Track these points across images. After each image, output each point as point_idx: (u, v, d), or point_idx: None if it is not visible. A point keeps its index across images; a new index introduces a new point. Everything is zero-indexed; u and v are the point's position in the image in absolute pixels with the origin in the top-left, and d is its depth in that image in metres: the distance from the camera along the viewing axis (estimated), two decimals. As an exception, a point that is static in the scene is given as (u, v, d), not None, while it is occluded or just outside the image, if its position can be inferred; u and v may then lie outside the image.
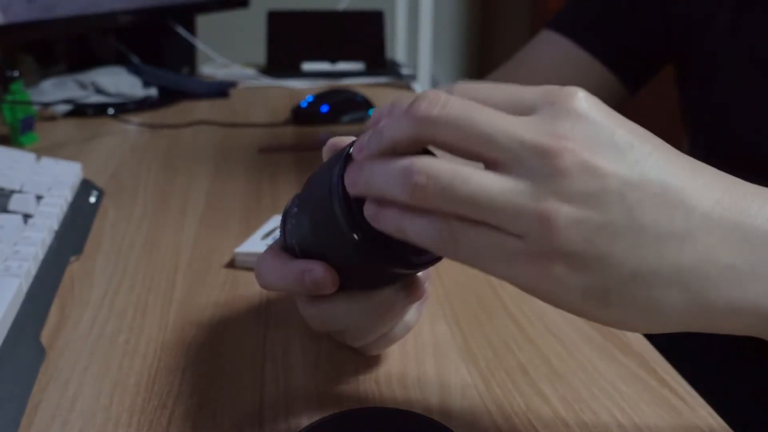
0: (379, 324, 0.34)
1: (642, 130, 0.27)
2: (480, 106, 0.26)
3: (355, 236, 0.29)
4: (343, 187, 0.29)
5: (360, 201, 0.29)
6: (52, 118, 0.91)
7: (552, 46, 0.64)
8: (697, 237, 0.25)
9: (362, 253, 0.30)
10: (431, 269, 0.49)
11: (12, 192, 0.54)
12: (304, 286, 0.32)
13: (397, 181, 0.26)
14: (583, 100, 0.26)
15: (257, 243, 0.51)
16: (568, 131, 0.25)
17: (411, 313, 0.36)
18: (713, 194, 0.26)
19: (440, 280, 0.48)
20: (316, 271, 0.31)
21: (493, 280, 0.48)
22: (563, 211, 0.25)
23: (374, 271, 0.32)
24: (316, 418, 0.34)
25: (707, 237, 0.25)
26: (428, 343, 0.40)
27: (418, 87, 1.17)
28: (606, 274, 0.25)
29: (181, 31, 1.16)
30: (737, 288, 0.26)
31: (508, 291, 0.46)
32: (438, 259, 0.31)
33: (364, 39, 1.24)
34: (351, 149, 0.30)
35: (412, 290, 0.33)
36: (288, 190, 0.66)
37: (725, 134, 0.58)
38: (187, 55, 1.22)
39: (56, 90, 0.94)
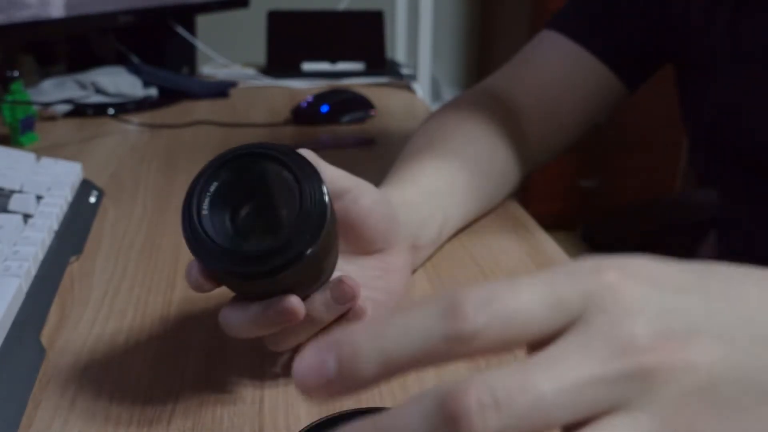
0: (270, 330, 0.34)
1: (702, 267, 0.22)
2: (532, 384, 0.19)
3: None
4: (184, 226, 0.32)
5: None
6: (52, 118, 0.91)
7: (552, 45, 0.64)
8: None
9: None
10: (431, 269, 0.49)
11: (12, 192, 0.54)
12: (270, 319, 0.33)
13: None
14: (626, 278, 0.21)
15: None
16: (639, 332, 0.20)
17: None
18: None
19: (440, 280, 0.48)
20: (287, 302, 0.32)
21: (493, 279, 0.48)
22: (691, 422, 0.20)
23: (245, 284, 0.33)
24: (315, 418, 0.34)
25: None
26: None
27: (418, 87, 1.17)
28: None
29: (181, 31, 1.16)
30: None
31: (507, 291, 0.46)
32: (280, 268, 0.31)
33: (364, 39, 1.24)
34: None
35: (275, 301, 0.33)
36: (288, 190, 0.66)
37: (725, 134, 0.58)
38: (187, 55, 1.22)
39: (56, 90, 0.94)
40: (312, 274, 0.34)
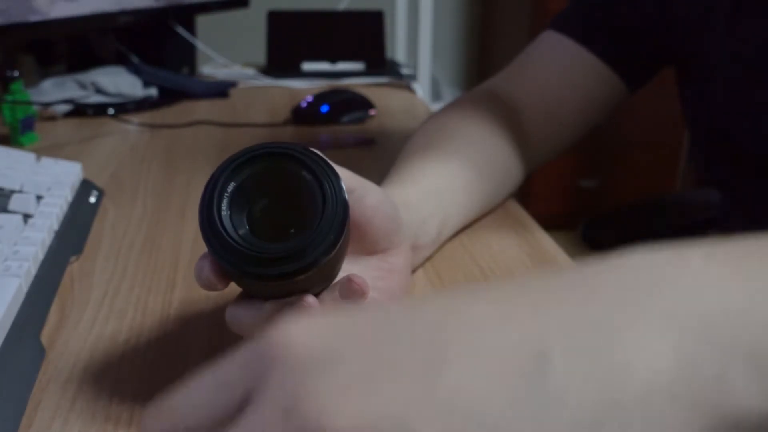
0: None
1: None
2: None
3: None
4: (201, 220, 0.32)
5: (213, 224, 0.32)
6: (52, 118, 0.91)
7: (554, 46, 0.64)
8: None
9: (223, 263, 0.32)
10: (431, 269, 0.49)
11: (12, 192, 0.54)
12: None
13: None
14: (298, 342, 0.21)
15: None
16: (311, 392, 0.20)
17: None
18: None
19: (440, 280, 0.48)
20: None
21: (493, 279, 0.48)
22: None
23: (252, 283, 0.32)
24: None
25: None
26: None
27: (418, 87, 1.17)
28: None
29: (181, 31, 1.16)
30: None
31: (507, 291, 0.46)
32: (302, 270, 0.31)
33: (364, 39, 1.24)
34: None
35: (292, 301, 0.33)
36: (288, 190, 0.66)
37: (724, 135, 0.58)
38: (187, 55, 1.22)
39: (56, 90, 0.94)
40: (328, 275, 0.34)
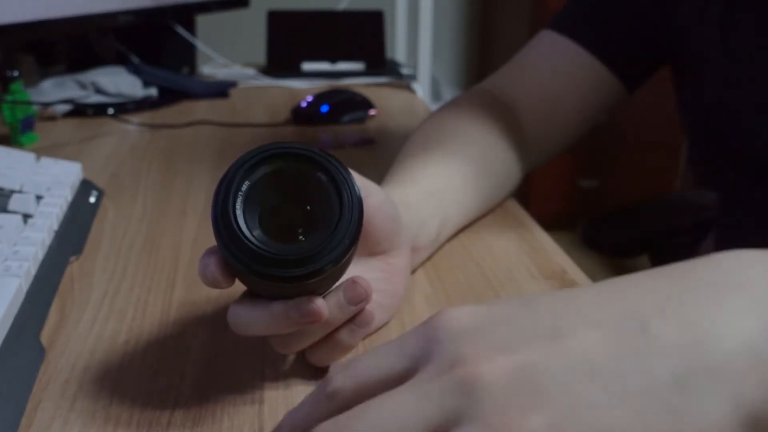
0: (286, 331, 0.34)
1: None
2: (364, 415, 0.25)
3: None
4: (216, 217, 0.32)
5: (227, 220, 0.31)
6: (52, 118, 0.91)
7: (551, 45, 0.64)
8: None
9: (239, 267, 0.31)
10: (431, 269, 0.49)
11: (12, 192, 0.54)
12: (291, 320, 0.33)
13: None
14: (453, 320, 0.27)
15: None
16: (468, 352, 0.26)
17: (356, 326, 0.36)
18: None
19: (440, 280, 0.48)
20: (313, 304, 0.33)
21: (493, 279, 0.48)
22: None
23: (261, 283, 0.32)
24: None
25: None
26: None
27: (418, 87, 1.17)
28: None
29: (181, 31, 1.16)
30: None
31: (507, 290, 0.46)
32: (315, 273, 0.31)
33: (363, 39, 1.24)
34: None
35: (301, 302, 0.32)
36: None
37: (719, 133, 0.58)
38: (187, 55, 1.22)
39: (56, 90, 0.94)
40: (338, 277, 0.34)
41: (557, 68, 0.63)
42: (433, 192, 0.49)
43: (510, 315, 0.27)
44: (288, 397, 0.36)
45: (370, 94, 0.98)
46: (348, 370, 0.28)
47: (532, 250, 0.52)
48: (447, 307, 0.28)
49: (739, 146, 0.57)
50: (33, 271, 0.45)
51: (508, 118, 0.60)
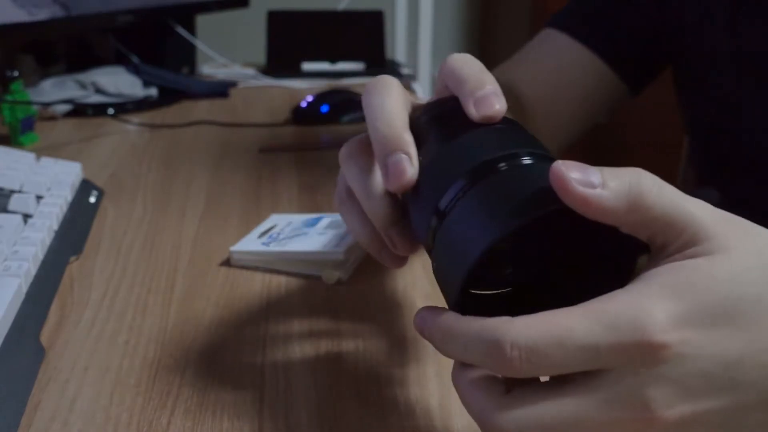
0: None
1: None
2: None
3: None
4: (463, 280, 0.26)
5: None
6: (52, 118, 0.91)
7: (553, 43, 0.64)
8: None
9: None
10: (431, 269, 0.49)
11: (12, 192, 0.54)
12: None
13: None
14: (667, 349, 0.23)
15: (253, 241, 0.51)
16: (659, 401, 0.23)
17: None
18: None
19: (440, 280, 0.48)
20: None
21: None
22: None
23: None
24: (315, 417, 0.34)
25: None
26: (428, 343, 0.40)
27: (418, 87, 1.17)
28: None
29: (181, 30, 1.15)
30: None
31: (507, 291, 0.46)
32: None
33: (363, 39, 1.24)
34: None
35: None
36: (288, 190, 0.66)
37: (722, 135, 0.58)
38: (187, 55, 1.22)
39: (56, 90, 0.94)
40: None
41: (559, 65, 0.63)
42: None
43: (720, 354, 0.24)
44: (288, 397, 0.36)
45: (370, 94, 0.98)
46: (533, 358, 0.23)
47: (532, 250, 0.52)
48: (650, 306, 0.23)
49: (743, 146, 0.57)
50: (33, 271, 0.45)
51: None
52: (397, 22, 1.53)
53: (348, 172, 0.34)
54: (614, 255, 0.27)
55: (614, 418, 0.23)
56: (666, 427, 0.24)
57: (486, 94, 0.30)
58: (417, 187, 0.31)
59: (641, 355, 0.23)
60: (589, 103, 0.64)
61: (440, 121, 0.32)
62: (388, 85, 0.33)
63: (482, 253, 0.25)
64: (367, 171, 0.33)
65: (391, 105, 0.32)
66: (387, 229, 0.32)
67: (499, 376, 0.25)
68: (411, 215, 0.32)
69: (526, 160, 0.28)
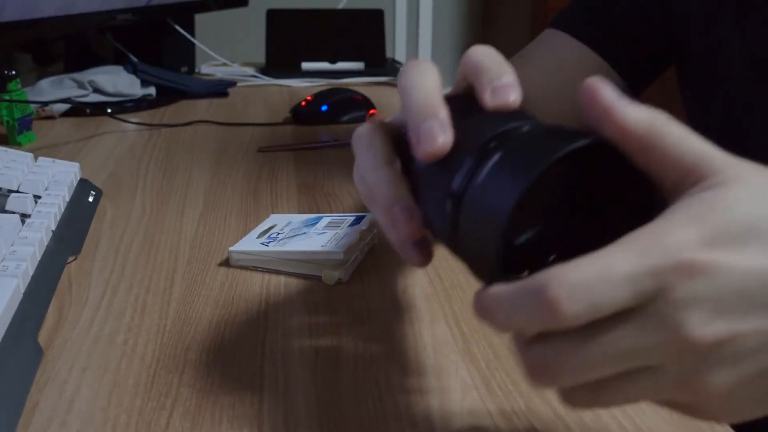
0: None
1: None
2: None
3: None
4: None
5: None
6: (50, 117, 0.91)
7: (555, 43, 0.64)
8: None
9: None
10: (431, 269, 0.49)
11: (9, 192, 0.54)
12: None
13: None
14: (696, 274, 0.23)
15: (252, 242, 0.50)
16: (694, 322, 0.24)
17: None
18: None
19: (440, 280, 0.48)
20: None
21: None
22: (715, 382, 0.24)
23: None
24: (315, 418, 0.34)
25: None
26: (428, 344, 0.40)
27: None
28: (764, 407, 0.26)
29: (179, 29, 1.15)
30: None
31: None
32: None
33: (364, 38, 1.23)
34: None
35: None
36: (287, 190, 0.65)
37: (728, 135, 0.58)
38: (186, 54, 1.22)
39: (54, 89, 0.93)
40: None
41: (560, 65, 0.63)
42: None
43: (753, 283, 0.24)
44: (288, 398, 0.36)
45: (370, 93, 0.98)
46: (581, 301, 0.23)
47: (533, 249, 0.52)
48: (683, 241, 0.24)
49: (753, 146, 0.56)
50: (31, 272, 0.44)
51: None
52: (398, 22, 1.53)
53: (357, 149, 0.34)
54: (636, 199, 0.28)
55: (651, 343, 0.24)
56: (702, 349, 0.24)
57: (503, 84, 0.31)
58: (428, 168, 0.31)
59: (675, 278, 0.23)
60: None
61: (455, 109, 0.32)
62: (426, 64, 0.33)
63: (518, 201, 0.25)
64: (374, 147, 0.34)
65: (429, 79, 0.32)
66: (391, 206, 0.32)
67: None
68: (422, 197, 0.32)
69: (534, 127, 0.29)
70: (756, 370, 0.24)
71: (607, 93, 0.26)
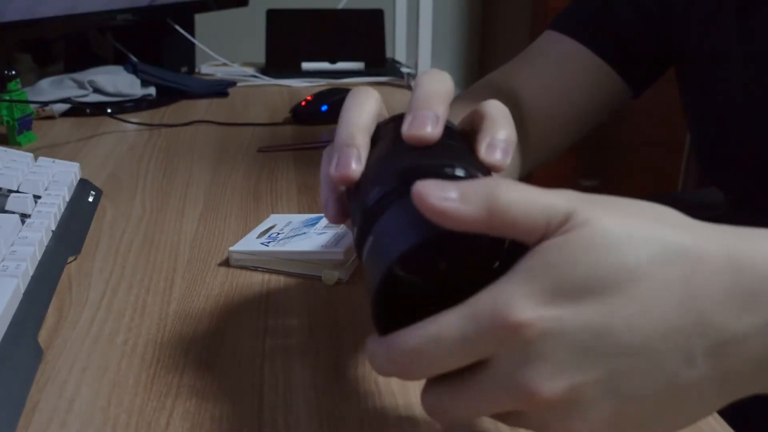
0: None
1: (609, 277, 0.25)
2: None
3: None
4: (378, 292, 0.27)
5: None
6: (50, 117, 0.91)
7: (555, 45, 0.64)
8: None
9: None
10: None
11: (9, 192, 0.53)
12: None
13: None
14: (529, 326, 0.24)
15: (252, 242, 0.50)
16: (536, 378, 0.25)
17: None
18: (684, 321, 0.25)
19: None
20: None
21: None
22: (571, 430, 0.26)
23: None
24: (315, 418, 0.34)
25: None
26: (429, 344, 0.40)
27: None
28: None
29: (179, 29, 1.15)
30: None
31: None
32: None
33: (364, 38, 1.23)
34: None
35: None
36: (287, 190, 0.65)
37: (728, 136, 0.58)
38: (186, 54, 1.22)
39: (54, 89, 0.93)
40: None
41: (561, 66, 0.63)
42: None
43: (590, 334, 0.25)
44: (287, 398, 0.36)
45: (370, 93, 0.98)
46: (417, 361, 0.25)
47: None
48: (513, 297, 0.25)
49: (753, 146, 0.56)
50: (30, 272, 0.44)
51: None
52: (398, 22, 1.52)
53: (350, 102, 0.36)
54: (510, 256, 0.27)
55: (500, 403, 0.25)
56: (551, 405, 0.25)
57: (421, 116, 0.32)
58: (356, 185, 0.33)
59: (507, 338, 0.24)
60: (591, 105, 0.64)
61: (389, 133, 0.35)
62: (365, 94, 0.36)
63: (395, 265, 0.27)
64: (367, 104, 0.35)
65: (359, 111, 0.35)
66: (346, 144, 0.33)
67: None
68: (350, 209, 0.34)
69: (450, 170, 0.30)
70: (604, 415, 0.25)
71: (434, 195, 0.25)
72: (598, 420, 0.25)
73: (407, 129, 0.32)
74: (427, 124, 0.31)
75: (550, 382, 0.24)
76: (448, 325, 0.25)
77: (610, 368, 0.25)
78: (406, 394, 0.36)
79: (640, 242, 0.25)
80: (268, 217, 0.57)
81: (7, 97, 0.77)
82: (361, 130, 0.34)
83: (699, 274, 0.25)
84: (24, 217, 0.50)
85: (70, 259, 0.50)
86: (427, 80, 0.34)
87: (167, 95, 1.03)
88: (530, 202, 0.25)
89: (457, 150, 0.32)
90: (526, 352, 0.24)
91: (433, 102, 0.32)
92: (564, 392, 0.24)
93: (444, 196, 0.25)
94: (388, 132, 0.35)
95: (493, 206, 0.25)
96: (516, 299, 0.24)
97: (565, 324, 0.24)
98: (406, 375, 0.26)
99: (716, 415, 0.34)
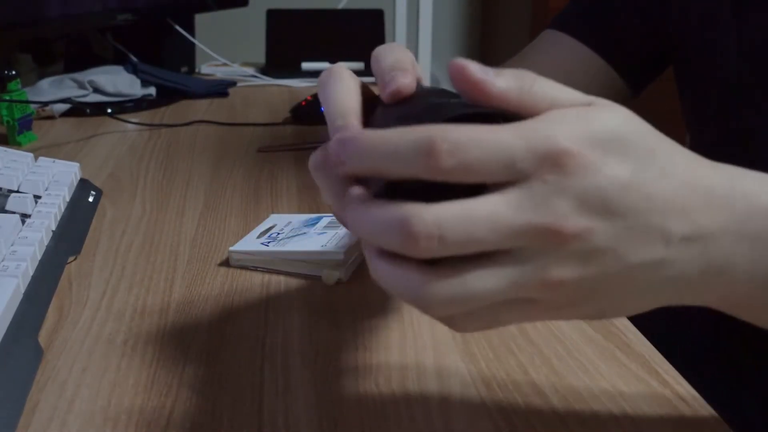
0: None
1: (648, 148, 0.27)
2: (471, 215, 0.25)
3: None
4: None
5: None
6: (50, 117, 0.91)
7: (555, 43, 0.64)
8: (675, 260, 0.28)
9: None
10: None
11: (9, 192, 0.54)
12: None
13: (395, 237, 0.25)
14: (577, 157, 0.25)
15: (252, 242, 0.50)
16: (562, 210, 0.25)
17: None
18: (691, 220, 0.28)
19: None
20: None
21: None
22: (563, 276, 0.26)
23: None
24: (315, 418, 0.34)
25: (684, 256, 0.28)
26: (428, 344, 0.40)
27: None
28: (602, 305, 0.28)
29: (179, 29, 1.15)
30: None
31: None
32: None
33: (364, 38, 1.24)
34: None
35: None
36: (287, 190, 0.65)
37: (729, 131, 0.58)
38: (186, 54, 1.22)
39: (54, 89, 0.93)
40: None
41: (560, 65, 0.63)
42: None
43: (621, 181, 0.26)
44: (287, 398, 0.36)
45: (370, 93, 0.98)
46: (459, 154, 0.24)
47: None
48: (557, 123, 0.26)
49: (747, 149, 0.56)
50: (31, 272, 0.44)
51: None
52: (398, 22, 1.53)
53: (325, 82, 0.36)
54: None
55: (527, 221, 0.25)
56: (562, 239, 0.25)
57: (391, 78, 0.32)
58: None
59: (556, 163, 0.25)
60: None
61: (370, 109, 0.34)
62: (338, 73, 0.35)
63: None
64: (344, 80, 0.35)
65: (341, 88, 0.34)
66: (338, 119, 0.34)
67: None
68: None
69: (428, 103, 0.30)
70: (599, 272, 0.26)
71: (473, 68, 0.27)
72: (590, 277, 0.26)
73: (386, 90, 0.31)
74: (398, 78, 0.31)
75: (572, 217, 0.25)
76: (505, 132, 0.25)
77: (624, 225, 0.26)
78: (406, 394, 0.36)
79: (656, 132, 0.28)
80: (268, 217, 0.57)
81: (8, 97, 0.77)
82: (351, 103, 0.34)
83: (704, 165, 0.30)
84: (24, 217, 0.50)
85: (70, 259, 0.50)
86: (388, 51, 0.34)
87: (167, 95, 1.03)
88: (556, 86, 0.28)
89: (451, 95, 0.32)
90: (566, 183, 0.25)
91: (398, 66, 0.33)
92: (581, 231, 0.25)
93: (481, 70, 0.27)
94: (376, 115, 0.34)
95: (525, 86, 0.27)
96: (567, 129, 0.26)
97: (599, 167, 0.25)
98: (439, 170, 0.24)
99: (718, 418, 0.34)
